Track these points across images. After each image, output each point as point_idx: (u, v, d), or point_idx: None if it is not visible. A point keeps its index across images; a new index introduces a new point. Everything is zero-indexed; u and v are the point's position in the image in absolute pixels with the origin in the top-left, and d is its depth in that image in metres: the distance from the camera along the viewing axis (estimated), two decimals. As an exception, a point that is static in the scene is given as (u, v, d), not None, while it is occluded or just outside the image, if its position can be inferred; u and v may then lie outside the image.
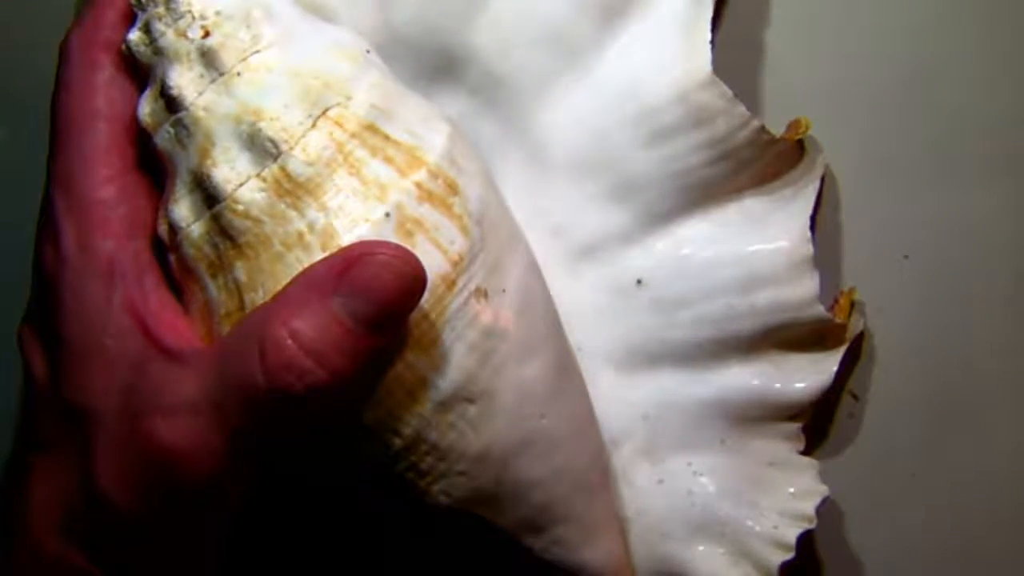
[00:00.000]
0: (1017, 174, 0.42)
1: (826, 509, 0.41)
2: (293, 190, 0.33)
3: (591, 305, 0.41)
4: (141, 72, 0.36)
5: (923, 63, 0.42)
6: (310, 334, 0.32)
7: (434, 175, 0.34)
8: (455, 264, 0.34)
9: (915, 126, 0.43)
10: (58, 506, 0.34)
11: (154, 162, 0.36)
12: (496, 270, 0.35)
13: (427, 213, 0.34)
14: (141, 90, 0.36)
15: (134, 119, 0.35)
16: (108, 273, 0.35)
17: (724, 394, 0.41)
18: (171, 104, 0.34)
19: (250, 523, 0.36)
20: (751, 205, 0.40)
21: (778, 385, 0.41)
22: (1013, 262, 0.43)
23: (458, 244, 0.34)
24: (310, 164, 0.33)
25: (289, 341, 0.32)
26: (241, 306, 0.34)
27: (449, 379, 0.34)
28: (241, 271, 0.34)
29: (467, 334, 0.34)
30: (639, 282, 0.40)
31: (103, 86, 0.36)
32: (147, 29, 0.35)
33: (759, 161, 0.40)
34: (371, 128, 0.34)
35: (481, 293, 0.35)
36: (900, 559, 0.44)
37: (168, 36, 0.35)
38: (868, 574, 0.44)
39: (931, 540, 0.44)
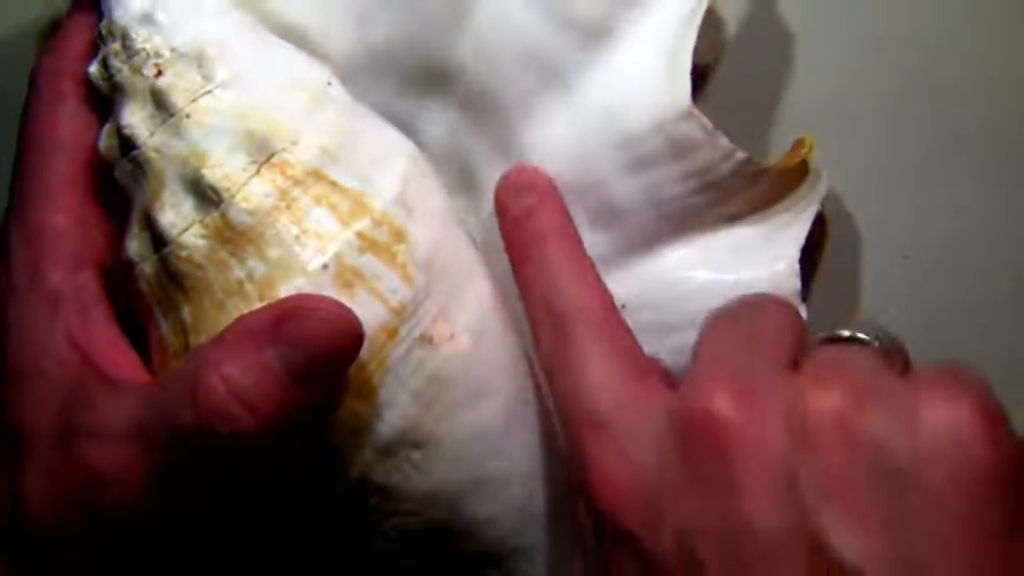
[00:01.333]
0: (1017, 174, 0.42)
1: None
2: (234, 239, 0.34)
3: None
4: (104, 103, 0.36)
5: (923, 64, 0.42)
6: (241, 381, 0.32)
7: (378, 223, 0.34)
8: (396, 313, 0.34)
9: (915, 127, 0.42)
10: None
11: (118, 192, 0.36)
12: (445, 315, 0.35)
13: (368, 263, 0.34)
14: (104, 121, 0.36)
15: (95, 150, 0.36)
16: (53, 302, 0.35)
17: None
18: (125, 142, 0.35)
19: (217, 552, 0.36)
20: (743, 233, 0.39)
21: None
22: (1013, 262, 0.42)
23: (400, 293, 0.34)
24: (251, 213, 0.33)
25: (220, 386, 0.32)
26: (186, 347, 0.34)
27: (391, 426, 0.34)
28: (187, 314, 0.34)
29: (411, 382, 0.34)
30: (623, 306, 0.39)
31: (66, 117, 0.36)
32: (105, 64, 0.35)
33: (749, 190, 0.38)
34: (316, 174, 0.34)
35: (427, 340, 0.35)
36: None
37: (124, 73, 0.35)
38: None
39: None
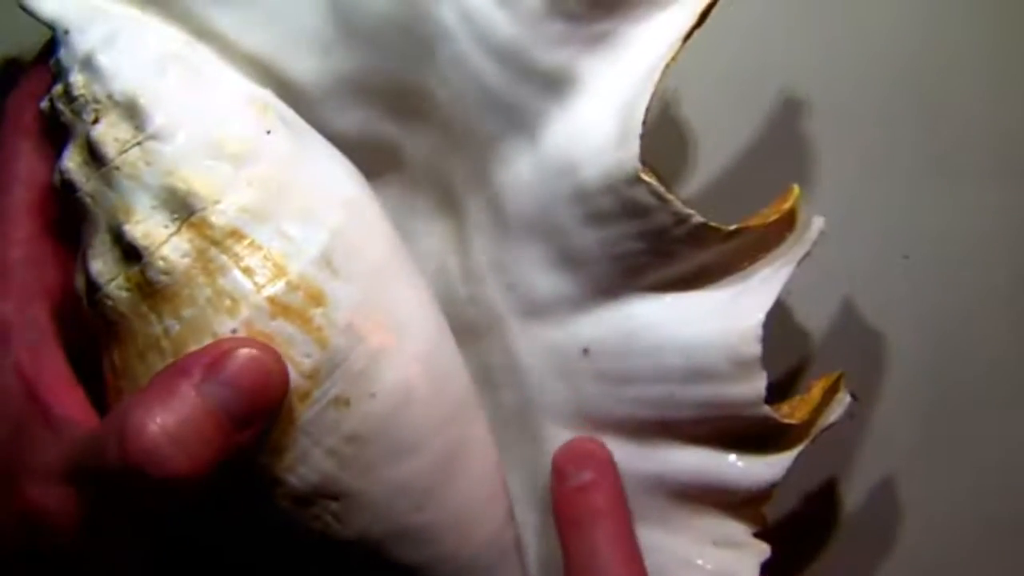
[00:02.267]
0: (1017, 174, 0.42)
1: (826, 509, 0.43)
2: (152, 295, 0.34)
3: (542, 363, 0.40)
4: (57, 137, 0.37)
5: (923, 64, 0.42)
6: (172, 422, 0.32)
7: (294, 287, 0.34)
8: (309, 377, 0.34)
9: (915, 127, 0.43)
10: None
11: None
12: (365, 375, 0.35)
13: (279, 328, 0.34)
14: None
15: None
16: (3, 335, 0.36)
17: (668, 473, 0.39)
18: (65, 185, 0.35)
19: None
20: (712, 292, 0.38)
21: (725, 471, 0.39)
22: (1013, 262, 0.43)
23: (314, 357, 0.34)
24: (167, 273, 0.34)
25: (151, 427, 0.32)
26: (117, 387, 0.36)
27: (305, 481, 0.35)
28: (117, 357, 0.35)
29: (325, 440, 0.35)
30: (585, 351, 0.39)
31: (27, 151, 0.37)
32: (51, 104, 0.36)
33: (714, 251, 0.37)
34: (236, 235, 0.34)
35: (342, 402, 0.35)
36: (900, 559, 0.44)
37: (66, 115, 0.35)
38: (866, 573, 0.45)
39: (931, 540, 0.44)
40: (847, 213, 0.40)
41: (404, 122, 0.39)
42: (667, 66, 0.35)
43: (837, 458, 0.44)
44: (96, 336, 0.36)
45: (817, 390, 0.39)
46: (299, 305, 0.34)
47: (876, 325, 0.43)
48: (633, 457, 0.39)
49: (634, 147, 0.35)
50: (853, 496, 0.44)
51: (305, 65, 0.37)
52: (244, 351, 0.33)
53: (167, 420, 0.32)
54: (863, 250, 0.43)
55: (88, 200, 0.35)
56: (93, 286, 0.35)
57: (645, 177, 0.35)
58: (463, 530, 0.38)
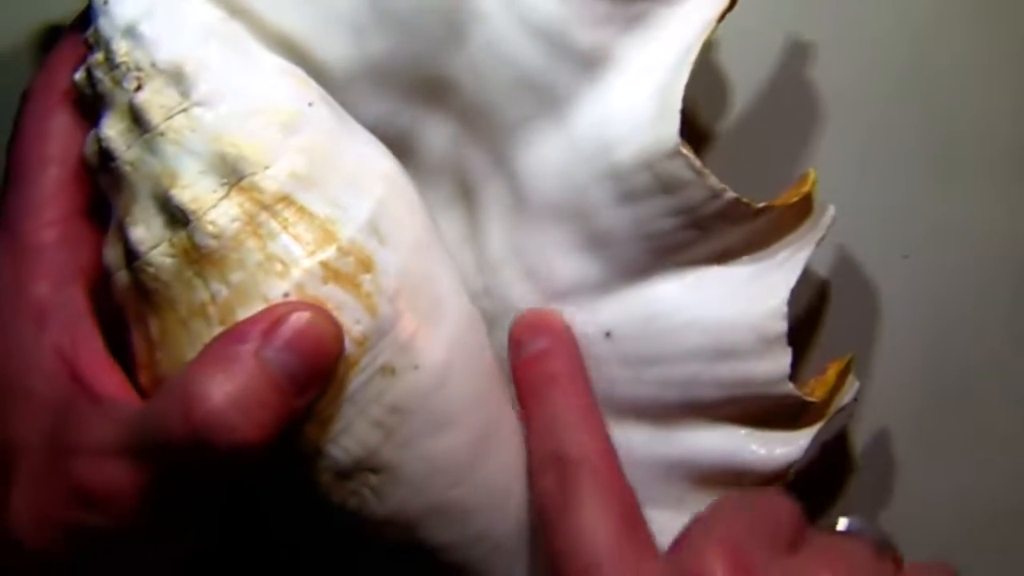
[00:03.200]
0: (1017, 174, 0.42)
1: (826, 507, 0.43)
2: (199, 260, 0.34)
3: None
4: (91, 109, 0.36)
5: (923, 63, 0.42)
6: (235, 389, 0.32)
7: (345, 252, 0.34)
8: (359, 344, 0.34)
9: (915, 126, 0.43)
10: None
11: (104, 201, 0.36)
12: (410, 346, 0.35)
13: (331, 293, 0.34)
14: (92, 124, 0.36)
15: (84, 165, 0.36)
16: (38, 316, 0.35)
17: (689, 456, 0.40)
18: (104, 153, 0.35)
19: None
20: (736, 270, 0.39)
21: (746, 452, 0.39)
22: (1013, 262, 0.43)
23: (363, 324, 0.34)
24: (216, 237, 0.34)
25: (216, 395, 0.32)
26: (152, 361, 0.35)
27: (348, 452, 0.35)
28: (154, 328, 0.35)
29: (370, 410, 0.35)
30: (608, 334, 0.39)
31: (57, 132, 0.36)
32: (89, 73, 0.35)
33: (744, 227, 0.37)
34: (286, 200, 0.34)
35: (389, 370, 0.35)
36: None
37: (105, 84, 0.35)
38: None
39: (931, 540, 0.44)
40: (847, 213, 0.40)
41: (422, 112, 0.39)
42: (702, 46, 0.36)
43: (836, 455, 0.45)
44: (123, 312, 0.36)
45: (832, 371, 0.40)
46: (350, 271, 0.34)
47: (876, 325, 0.43)
48: (655, 442, 0.39)
49: (674, 122, 0.36)
50: (852, 494, 0.45)
51: (336, 48, 0.37)
52: (301, 314, 0.33)
53: (230, 387, 0.32)
54: (863, 250, 0.43)
55: (127, 168, 0.34)
56: (132, 254, 0.34)
57: (684, 151, 0.36)
58: (495, 509, 0.38)
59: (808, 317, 0.44)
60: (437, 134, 0.40)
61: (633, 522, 0.35)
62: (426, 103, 0.39)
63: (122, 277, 0.35)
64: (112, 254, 0.35)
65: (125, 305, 0.35)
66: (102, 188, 0.36)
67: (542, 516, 0.36)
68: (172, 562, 0.35)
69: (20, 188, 0.36)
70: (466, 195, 0.40)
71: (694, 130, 0.43)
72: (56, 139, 0.36)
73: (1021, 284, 0.43)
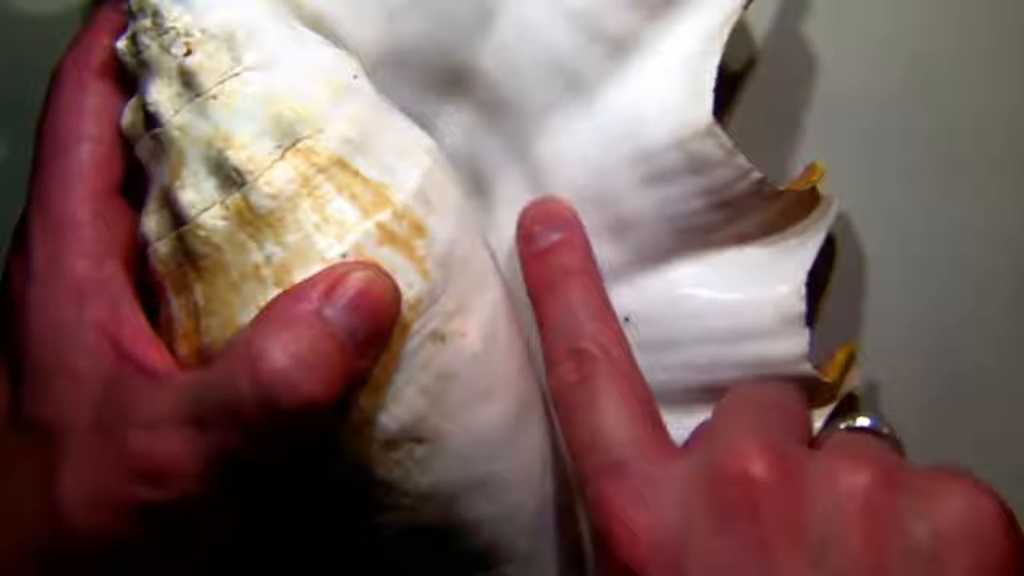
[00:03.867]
0: (1017, 174, 0.42)
1: None
2: (254, 221, 0.33)
3: None
4: (128, 79, 0.36)
5: (924, 63, 0.42)
6: (301, 348, 0.32)
7: (399, 216, 0.34)
8: (412, 308, 0.34)
9: (915, 126, 0.43)
10: (9, 534, 0.34)
11: (138, 170, 0.36)
12: (458, 313, 0.35)
13: (387, 255, 0.34)
14: (128, 97, 0.36)
15: (117, 144, 0.35)
16: (79, 293, 0.34)
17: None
18: (149, 119, 0.35)
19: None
20: (752, 254, 0.39)
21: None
22: (1014, 262, 0.43)
23: (416, 287, 0.34)
24: (273, 197, 0.33)
25: (281, 354, 0.31)
26: (197, 329, 0.34)
27: (397, 420, 0.34)
28: (200, 294, 0.34)
29: (419, 377, 0.34)
30: (627, 319, 0.40)
31: (91, 109, 0.36)
32: (133, 40, 0.35)
33: (762, 211, 0.38)
34: (340, 163, 0.34)
35: (439, 336, 0.35)
36: None
37: (152, 50, 0.34)
38: None
39: None
40: (847, 213, 0.42)
41: (440, 101, 0.40)
42: (733, 27, 0.38)
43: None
44: (160, 284, 0.35)
45: (841, 355, 0.41)
46: (404, 234, 0.34)
47: (876, 325, 0.44)
48: (675, 426, 0.39)
49: (707, 101, 0.37)
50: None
51: (367, 31, 0.38)
52: (360, 274, 0.33)
53: (295, 347, 0.32)
54: (863, 250, 0.43)
55: (176, 133, 0.34)
56: (180, 219, 0.34)
57: (716, 130, 0.37)
58: (528, 485, 0.38)
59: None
60: (452, 125, 0.40)
61: (653, 419, 0.35)
62: (445, 92, 0.40)
63: (163, 246, 0.35)
64: (153, 223, 0.35)
65: (164, 275, 0.35)
66: (141, 159, 0.35)
67: (561, 412, 0.36)
68: (224, 541, 0.35)
69: (53, 165, 0.36)
70: (480, 186, 0.41)
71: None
72: (90, 116, 0.36)
73: (1021, 284, 0.43)
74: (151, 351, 0.35)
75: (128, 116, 0.35)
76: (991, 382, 0.43)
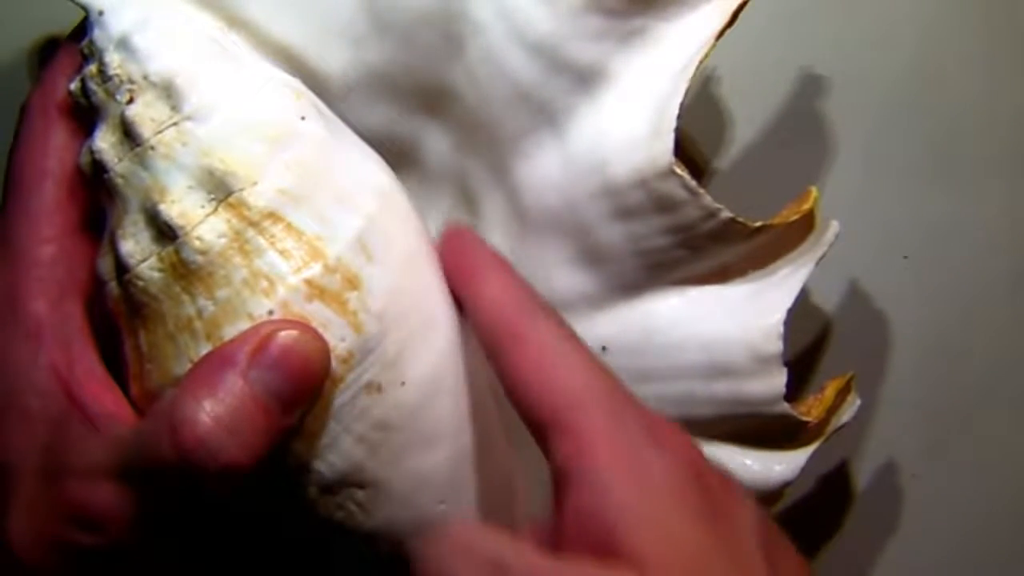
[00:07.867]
0: (1017, 174, 0.42)
1: (829, 508, 0.44)
2: (187, 275, 0.34)
3: None
4: (87, 118, 0.36)
5: (924, 63, 0.42)
6: (224, 411, 0.32)
7: (331, 270, 0.34)
8: (343, 361, 0.34)
9: (915, 126, 0.43)
10: None
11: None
12: (397, 363, 0.35)
13: (316, 310, 0.34)
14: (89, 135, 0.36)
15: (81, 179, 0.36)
16: (36, 334, 0.35)
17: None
18: (96, 165, 0.35)
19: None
20: (734, 289, 0.38)
21: (741, 471, 0.39)
22: (1013, 262, 0.43)
23: (348, 341, 0.34)
24: (203, 253, 0.34)
25: (203, 419, 0.32)
26: (142, 372, 0.35)
27: (333, 468, 0.35)
28: (143, 340, 0.35)
29: (355, 427, 0.35)
30: (604, 349, 0.39)
31: (55, 146, 0.36)
32: (83, 84, 0.35)
33: (743, 246, 0.37)
34: (273, 216, 0.34)
35: (374, 387, 0.35)
36: (901, 559, 0.45)
37: (99, 95, 0.35)
38: (868, 573, 0.45)
39: (931, 540, 0.45)
40: (847, 214, 0.40)
41: (424, 120, 0.39)
42: (700, 64, 0.36)
43: (839, 458, 0.45)
44: (116, 323, 0.36)
45: (831, 390, 0.39)
46: (335, 288, 0.34)
47: (876, 325, 0.44)
48: None
49: (668, 141, 0.36)
50: (856, 495, 0.45)
51: (334, 58, 0.37)
52: (287, 333, 0.33)
53: (218, 410, 0.32)
54: (864, 250, 0.43)
55: (119, 181, 0.35)
56: (122, 267, 0.34)
57: (678, 171, 0.35)
58: (492, 518, 0.38)
59: (808, 316, 0.44)
60: (438, 142, 0.40)
61: (596, 359, 0.34)
62: (427, 111, 0.39)
63: (113, 288, 0.35)
64: (105, 265, 0.35)
65: (117, 315, 0.36)
66: (100, 198, 0.36)
67: (494, 361, 0.35)
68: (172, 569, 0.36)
69: (18, 202, 0.36)
70: (469, 203, 0.40)
71: (696, 135, 0.43)
72: (53, 152, 0.36)
73: (1021, 284, 0.43)
74: (101, 394, 0.35)
75: (83, 157, 0.36)
76: (992, 382, 0.44)
